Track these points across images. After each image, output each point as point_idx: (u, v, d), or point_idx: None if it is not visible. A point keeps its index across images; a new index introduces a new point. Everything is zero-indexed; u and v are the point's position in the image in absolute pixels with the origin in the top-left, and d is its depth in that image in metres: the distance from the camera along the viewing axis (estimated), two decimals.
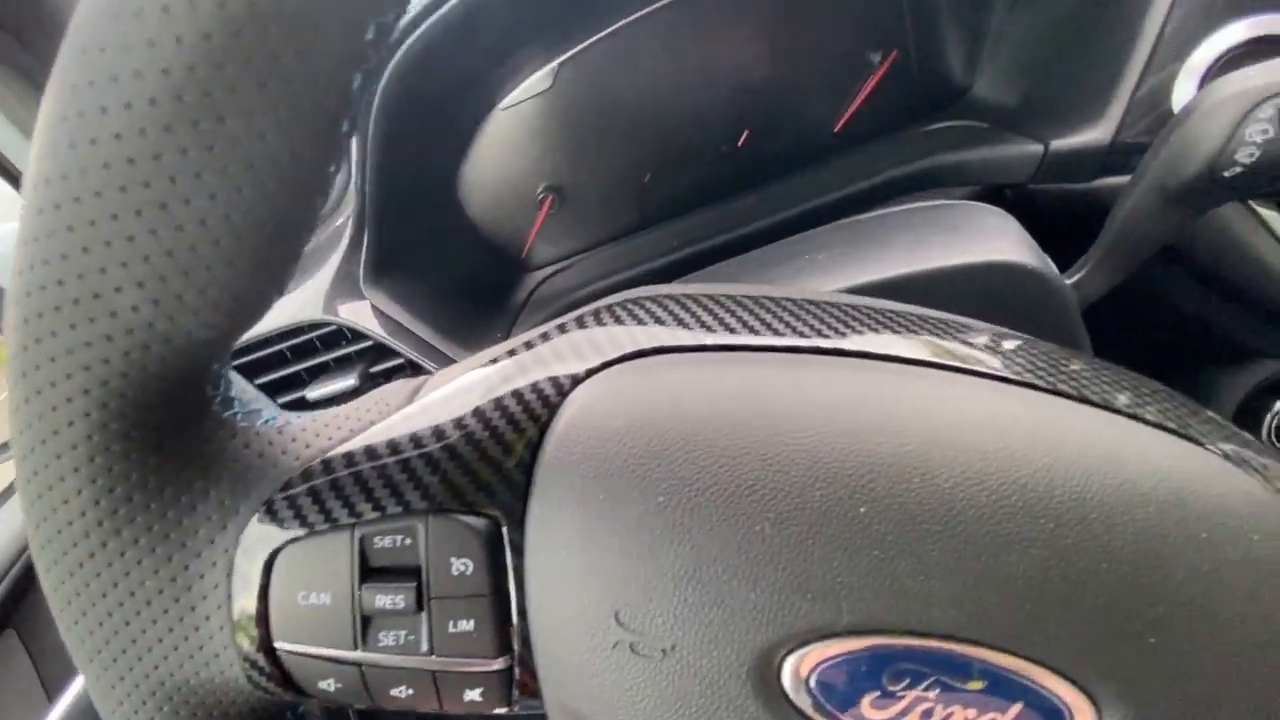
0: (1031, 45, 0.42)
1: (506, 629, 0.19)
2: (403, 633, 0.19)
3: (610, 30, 0.46)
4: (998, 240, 0.30)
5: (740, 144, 0.51)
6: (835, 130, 0.50)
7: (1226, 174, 0.24)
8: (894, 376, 0.19)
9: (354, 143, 0.39)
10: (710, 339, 0.21)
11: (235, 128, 0.13)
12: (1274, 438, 0.50)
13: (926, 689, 0.17)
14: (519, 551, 0.19)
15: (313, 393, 0.47)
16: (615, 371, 0.20)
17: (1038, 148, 0.39)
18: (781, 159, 0.51)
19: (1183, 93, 0.34)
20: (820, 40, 0.47)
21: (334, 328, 0.46)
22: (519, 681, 0.20)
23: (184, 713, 0.19)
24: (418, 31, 0.36)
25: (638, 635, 0.17)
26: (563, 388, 0.20)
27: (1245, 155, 0.23)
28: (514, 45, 0.43)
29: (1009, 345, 0.22)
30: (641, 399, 0.19)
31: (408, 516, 0.18)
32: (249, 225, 0.14)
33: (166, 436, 0.17)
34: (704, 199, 0.53)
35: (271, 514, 0.18)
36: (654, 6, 0.45)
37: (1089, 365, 0.21)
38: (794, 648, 0.17)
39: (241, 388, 0.20)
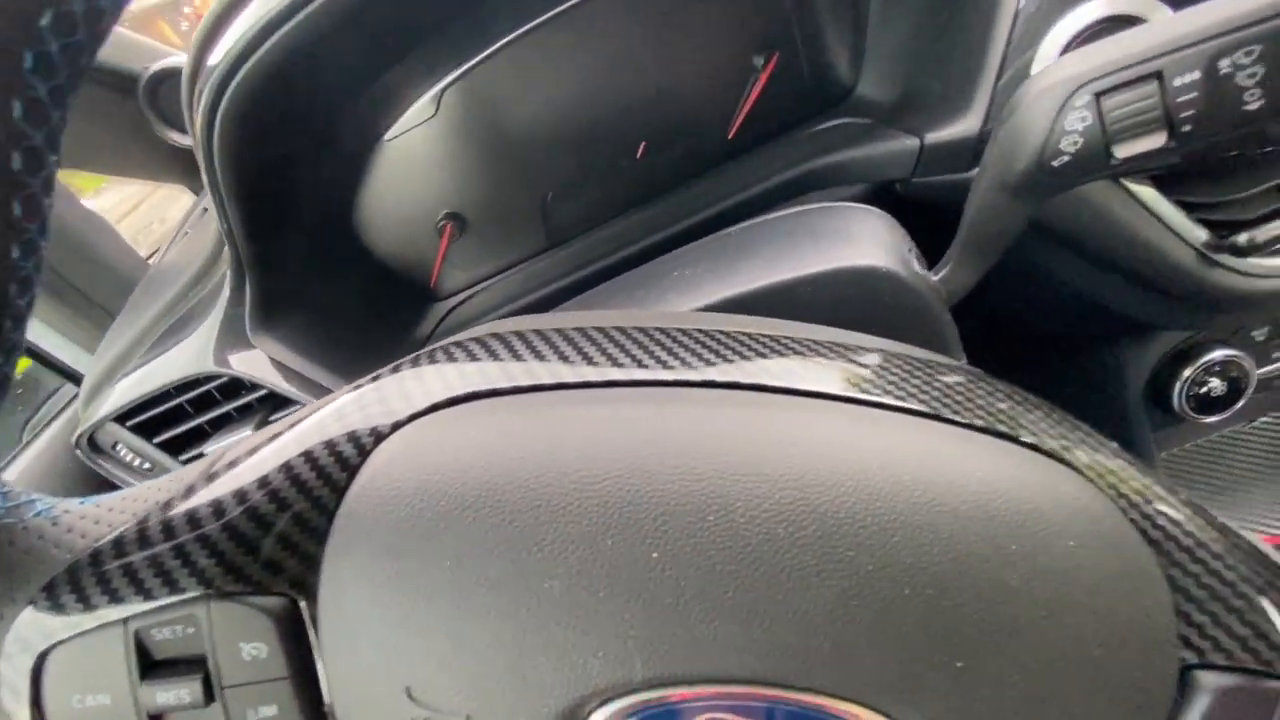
0: (905, 41, 0.42)
1: (317, 708, 0.18)
2: None
3: (488, 53, 0.45)
4: (861, 244, 0.29)
5: (639, 156, 0.51)
6: (730, 136, 0.50)
7: (1056, 164, 0.24)
8: (701, 407, 0.19)
9: (208, 182, 0.37)
10: (525, 379, 0.20)
11: None
12: (1186, 407, 0.51)
13: None
14: (319, 628, 0.18)
15: (210, 446, 0.45)
16: (418, 425, 0.19)
17: (915, 142, 0.39)
18: (680, 168, 0.51)
19: None
20: (704, 47, 0.47)
21: (228, 379, 0.45)
22: None
23: None
24: (269, 42, 0.34)
25: (432, 711, 0.16)
26: (364, 447, 0.19)
27: (1069, 144, 0.23)
28: (381, 68, 0.41)
29: (845, 356, 0.21)
30: (435, 457, 0.18)
31: (187, 605, 0.17)
32: None
33: None
34: (608, 213, 0.53)
35: (36, 615, 0.17)
36: (528, 27, 0.44)
37: (924, 372, 0.21)
38: (594, 708, 0.16)
39: (12, 485, 0.18)
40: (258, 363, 0.44)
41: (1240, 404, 0.49)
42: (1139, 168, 0.23)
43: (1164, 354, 0.49)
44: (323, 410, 0.20)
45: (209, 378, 0.45)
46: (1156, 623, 0.17)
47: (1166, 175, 0.38)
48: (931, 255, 0.35)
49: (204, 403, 0.47)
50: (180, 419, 0.48)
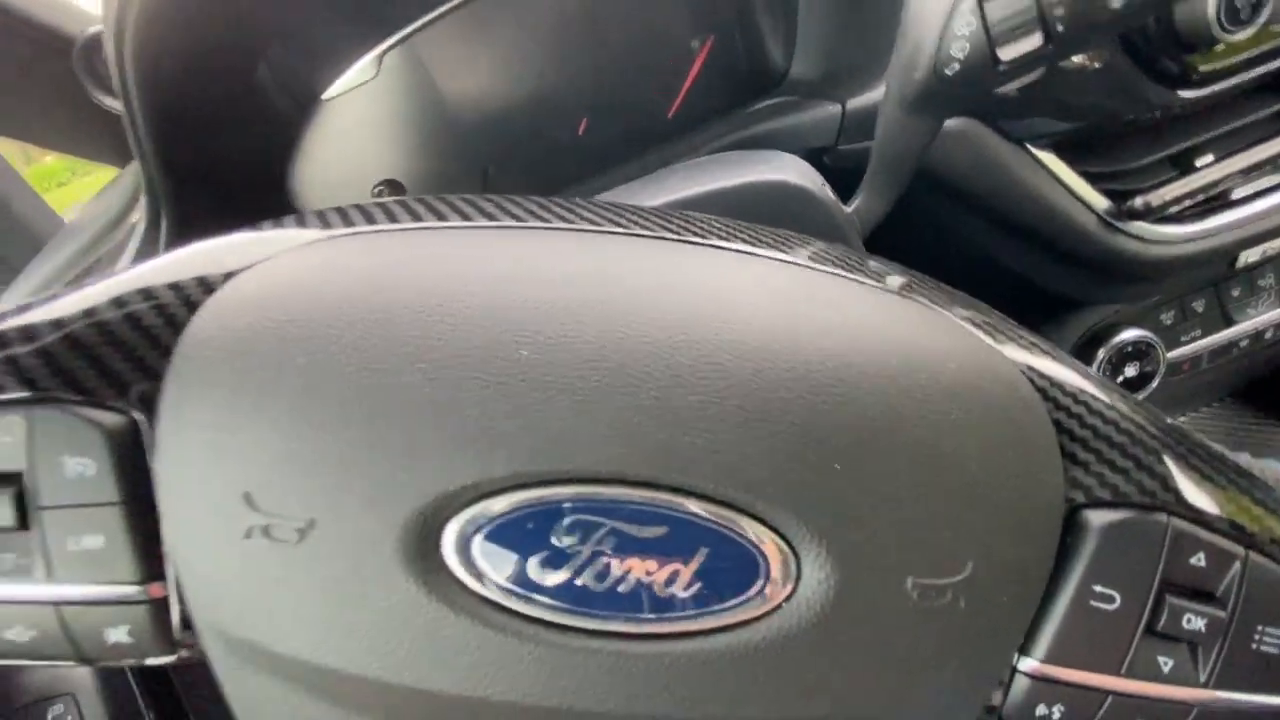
0: (829, 21, 0.45)
1: (153, 548, 0.16)
2: (9, 555, 0.16)
3: (433, 17, 0.46)
4: (774, 166, 0.30)
5: (580, 132, 0.51)
6: (669, 115, 0.51)
7: (949, 72, 0.25)
8: (588, 239, 0.18)
9: (129, 128, 0.36)
10: (411, 222, 0.19)
11: None
12: None
13: (599, 541, 0.15)
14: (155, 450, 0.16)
15: None
16: (284, 258, 0.18)
17: (837, 109, 0.41)
18: (621, 145, 0.52)
19: None
20: (644, 27, 0.49)
21: None
22: (183, 617, 0.17)
23: None
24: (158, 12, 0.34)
25: (271, 516, 0.15)
26: (228, 272, 0.18)
27: (959, 50, 0.24)
28: (315, 12, 0.41)
29: (778, 236, 0.21)
30: (295, 275, 0.17)
31: (3, 408, 0.15)
32: None
33: None
34: (549, 187, 0.53)
35: None
36: None
37: (873, 258, 0.21)
38: (451, 513, 0.15)
39: None
40: None
41: (1153, 384, 0.51)
42: (1024, 72, 0.25)
43: (1081, 335, 0.51)
44: (191, 247, 0.19)
45: None
46: (1041, 456, 0.17)
47: (1069, 145, 0.40)
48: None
49: None
50: None
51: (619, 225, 0.20)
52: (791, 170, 0.30)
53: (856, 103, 0.40)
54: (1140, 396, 0.52)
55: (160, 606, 0.16)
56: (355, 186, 0.50)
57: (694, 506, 0.15)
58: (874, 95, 0.39)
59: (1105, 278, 0.43)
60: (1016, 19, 0.23)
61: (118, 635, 0.16)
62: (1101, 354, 0.50)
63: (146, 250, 0.42)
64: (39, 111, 0.60)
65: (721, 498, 0.15)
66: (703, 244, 0.19)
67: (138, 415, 0.16)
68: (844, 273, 0.19)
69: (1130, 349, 0.50)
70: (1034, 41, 0.23)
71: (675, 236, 0.19)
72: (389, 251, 0.17)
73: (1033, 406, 0.18)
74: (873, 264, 0.21)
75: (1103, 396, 0.19)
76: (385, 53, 0.46)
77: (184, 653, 0.17)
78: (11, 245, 0.54)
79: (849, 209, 0.31)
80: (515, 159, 0.52)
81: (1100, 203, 0.40)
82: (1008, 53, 0.24)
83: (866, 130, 0.43)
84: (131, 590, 0.16)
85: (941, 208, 0.41)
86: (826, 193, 0.30)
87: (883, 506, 0.15)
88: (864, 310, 0.18)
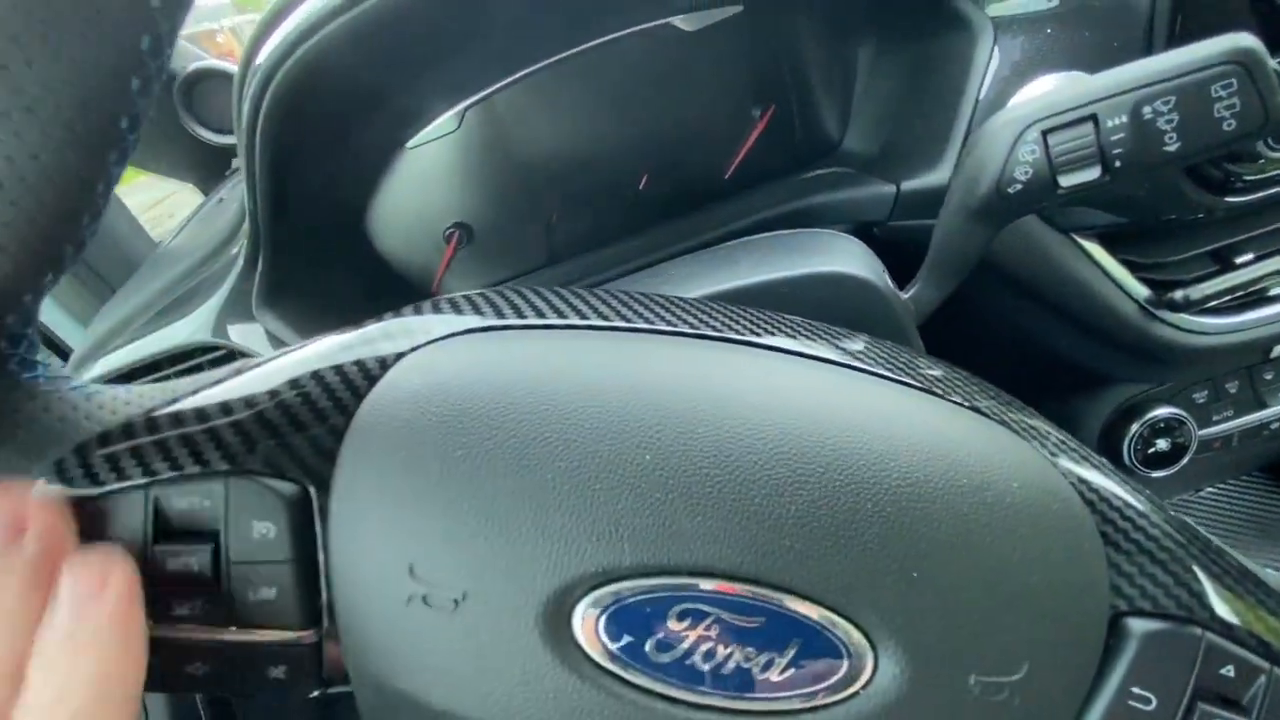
0: (887, 101, 0.48)
1: (314, 599, 0.19)
2: (199, 601, 0.18)
3: (515, 78, 0.49)
4: (838, 255, 0.32)
5: (641, 186, 0.54)
6: (726, 176, 0.54)
7: (1011, 190, 0.27)
8: (696, 349, 0.21)
9: (244, 163, 0.40)
10: (537, 320, 0.22)
11: (17, 75, 0.14)
12: (1134, 460, 0.54)
13: (707, 627, 0.17)
14: (327, 519, 0.19)
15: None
16: (432, 349, 0.21)
17: (892, 189, 0.44)
18: (678, 200, 0.55)
19: None
20: (708, 95, 0.52)
21: (225, 351, 0.46)
22: (329, 659, 0.19)
23: None
24: (310, 41, 0.38)
25: (431, 587, 0.17)
26: (386, 361, 0.21)
27: (1021, 173, 0.27)
28: (412, 79, 0.45)
29: (838, 335, 0.24)
30: (450, 370, 0.20)
31: (207, 478, 0.18)
32: (33, 170, 0.15)
33: None
34: (608, 236, 0.56)
35: (61, 473, 0.18)
36: (556, 58, 0.49)
37: (893, 350, 0.24)
38: (583, 593, 0.17)
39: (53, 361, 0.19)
40: (255, 337, 0.45)
41: (1184, 461, 0.53)
42: (1081, 198, 0.27)
43: (1114, 408, 0.53)
44: (351, 332, 0.22)
45: (204, 349, 0.46)
46: (1090, 566, 0.19)
47: (1114, 236, 0.42)
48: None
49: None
50: None
51: (720, 327, 0.22)
52: (854, 260, 0.32)
53: (911, 185, 0.43)
54: (1171, 471, 0.54)
55: (314, 650, 0.19)
56: (429, 227, 0.53)
57: (790, 603, 0.17)
58: (928, 180, 0.42)
59: (1143, 361, 0.44)
60: (1077, 152, 0.26)
61: (277, 673, 0.19)
62: (1135, 428, 0.52)
63: (244, 282, 0.45)
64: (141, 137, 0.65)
65: (813, 596, 0.17)
66: (794, 353, 0.22)
67: (309, 486, 0.19)
68: (917, 385, 0.22)
69: (1163, 424, 0.52)
70: (1092, 174, 0.26)
71: (766, 342, 0.22)
72: (531, 353, 0.20)
73: (1084, 522, 0.20)
74: (936, 372, 0.23)
75: (1148, 513, 0.21)
76: (467, 109, 0.50)
77: (329, 689, 0.20)
78: (105, 260, 0.58)
79: (905, 296, 0.33)
80: (578, 209, 0.55)
81: (1141, 291, 0.42)
82: (1068, 180, 0.26)
83: (918, 210, 0.45)
84: (292, 636, 0.19)
85: (988, 288, 0.43)
86: (887, 283, 0.32)
87: (953, 611, 0.18)
88: (939, 427, 0.20)
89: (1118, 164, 0.25)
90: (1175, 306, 0.41)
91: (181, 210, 0.86)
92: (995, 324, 0.48)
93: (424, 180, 0.52)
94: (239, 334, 0.45)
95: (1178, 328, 0.42)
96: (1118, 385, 0.51)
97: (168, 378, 0.49)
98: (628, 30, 0.49)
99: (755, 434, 0.18)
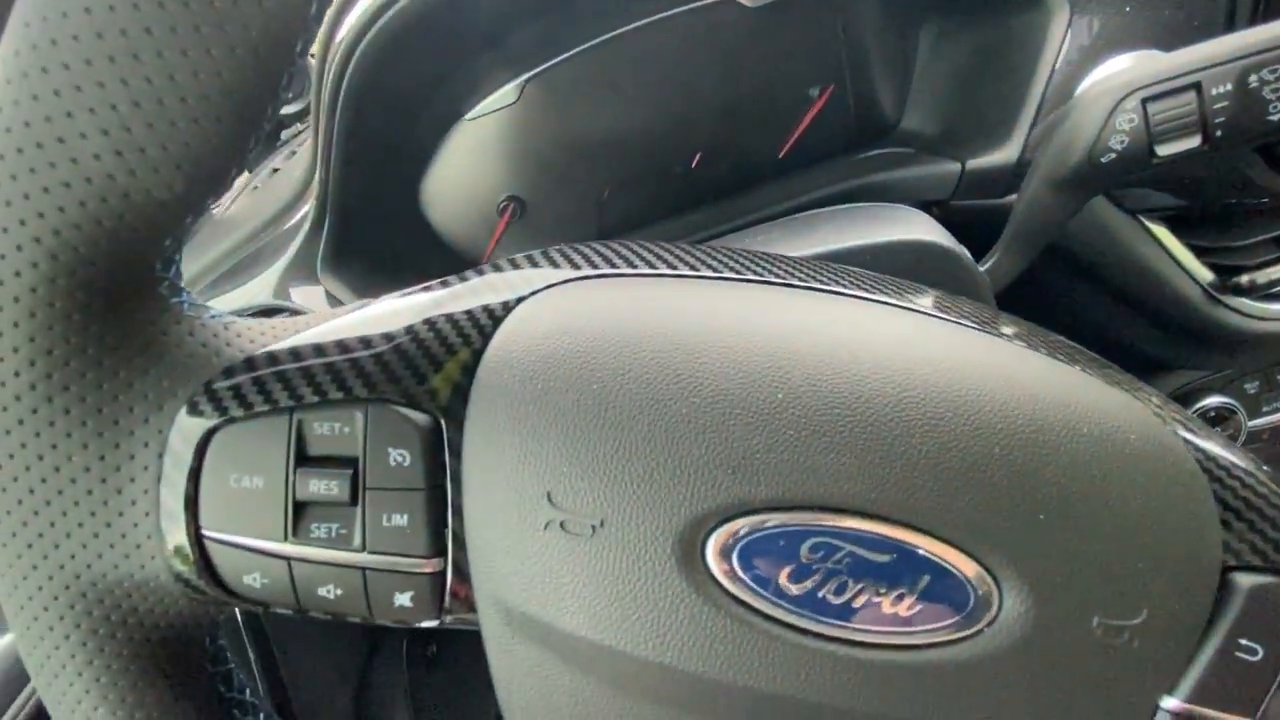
0: (950, 81, 0.47)
1: (442, 530, 0.19)
2: (335, 525, 0.19)
3: (575, 51, 0.50)
4: (915, 225, 0.33)
5: (694, 165, 0.55)
6: (780, 156, 0.54)
7: (1104, 160, 0.27)
8: (824, 301, 0.21)
9: (320, 131, 0.41)
10: (645, 267, 0.23)
11: None
12: None
13: (839, 561, 0.18)
14: (457, 454, 0.19)
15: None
16: (551, 292, 0.21)
17: (955, 167, 0.44)
18: (730, 180, 0.55)
19: None
20: (765, 73, 0.52)
21: (289, 313, 0.46)
22: (452, 590, 0.20)
23: (96, 614, 0.19)
24: (388, 14, 0.39)
25: (568, 513, 0.18)
26: (508, 304, 0.21)
27: (1117, 142, 0.27)
28: (478, 51, 0.45)
29: (928, 293, 0.24)
30: (576, 310, 0.20)
31: (348, 405, 0.19)
32: (215, 87, 0.15)
33: (111, 306, 0.17)
34: (660, 214, 0.56)
35: (210, 396, 0.18)
36: (617, 33, 0.49)
37: (1010, 318, 0.24)
38: (717, 523, 0.18)
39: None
40: (316, 298, 0.46)
41: None
42: (1174, 171, 0.27)
43: (1168, 394, 0.53)
44: (476, 278, 0.22)
45: (268, 311, 0.47)
46: (1204, 521, 0.20)
47: (1180, 219, 0.42)
48: None
49: None
50: None
51: (827, 281, 0.22)
52: (933, 229, 0.32)
53: (976, 164, 0.43)
54: None
55: (440, 579, 0.20)
56: (484, 198, 0.54)
57: (920, 540, 0.18)
58: (994, 159, 0.42)
59: (1204, 346, 0.44)
60: (1178, 121, 0.26)
61: (403, 600, 0.20)
62: None
63: (309, 245, 0.46)
64: None
65: (943, 535, 0.18)
66: (909, 308, 0.22)
67: (441, 419, 0.19)
68: (1029, 346, 0.22)
69: (1213, 414, 0.51)
70: (1191, 142, 0.26)
71: (877, 298, 0.22)
72: (654, 296, 0.20)
73: (1197, 477, 0.20)
74: (1051, 337, 0.23)
75: (1255, 473, 0.21)
76: (527, 82, 0.50)
77: (448, 618, 0.20)
78: None
79: (983, 268, 0.33)
80: (631, 185, 0.55)
81: (1206, 275, 0.42)
82: (1165, 149, 0.26)
83: (982, 188, 0.45)
84: (421, 563, 0.19)
85: (1047, 268, 0.43)
86: (966, 254, 0.32)
87: (1077, 554, 0.18)
88: (1058, 379, 0.20)
89: (1219, 133, 0.25)
90: (1240, 291, 0.41)
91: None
92: (1050, 305, 0.48)
93: (481, 152, 0.52)
94: (301, 295, 0.46)
95: (1241, 313, 0.42)
96: (1169, 373, 0.51)
97: None
98: (688, 6, 0.49)
99: (884, 376, 0.19)
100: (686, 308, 0.20)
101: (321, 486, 0.18)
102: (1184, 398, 0.52)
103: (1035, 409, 0.19)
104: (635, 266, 0.23)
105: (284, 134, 0.68)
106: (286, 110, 0.62)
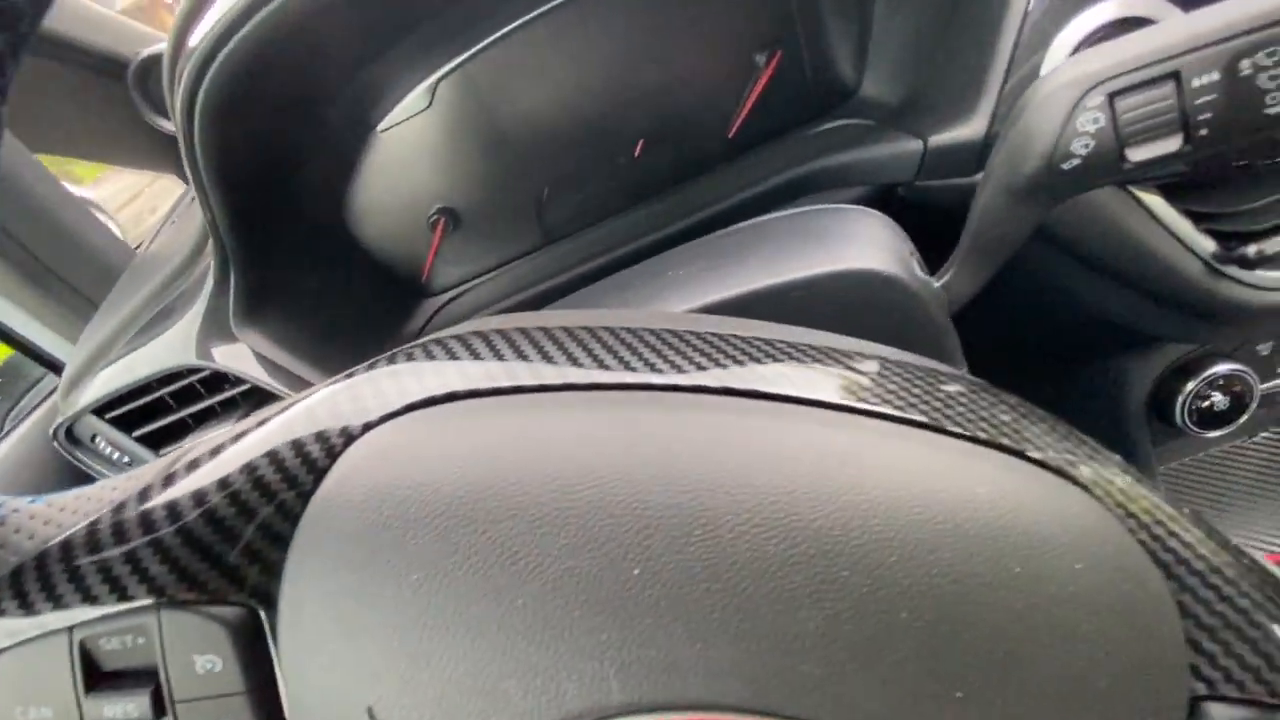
0: (910, 42, 0.42)
1: None
2: None
3: (484, 45, 0.44)
4: (861, 246, 0.28)
5: (637, 154, 0.50)
6: (730, 135, 0.49)
7: (1065, 167, 0.23)
8: (691, 413, 0.18)
9: (187, 167, 0.36)
10: (505, 379, 0.19)
11: None
12: (1188, 420, 0.50)
13: None
14: (279, 643, 0.17)
15: (191, 442, 0.44)
16: (391, 427, 0.18)
17: (918, 145, 0.38)
18: (679, 167, 0.50)
19: None
20: (704, 44, 0.46)
21: (210, 373, 0.43)
22: None
23: None
24: (256, 18, 0.33)
25: None
26: (333, 449, 0.18)
27: (1080, 146, 0.22)
28: (375, 56, 0.40)
29: (843, 362, 0.20)
30: (405, 462, 0.17)
31: (136, 613, 0.16)
32: None
33: None
34: (606, 211, 0.52)
35: None
36: (525, 19, 0.43)
37: (925, 381, 0.20)
38: None
39: None
40: (242, 356, 0.43)
41: (1243, 419, 0.49)
42: (1150, 173, 0.22)
43: (1167, 367, 0.49)
44: (293, 408, 0.19)
45: (191, 370, 0.44)
46: (1166, 651, 0.16)
47: (1174, 185, 0.37)
48: (934, 261, 0.34)
49: (186, 396, 0.46)
50: (161, 413, 0.47)
51: (722, 371, 0.19)
52: (876, 249, 0.28)
53: (939, 140, 0.37)
54: (1228, 430, 0.50)
55: None
56: (412, 215, 0.50)
57: None
58: (959, 134, 0.37)
59: (1208, 322, 0.40)
60: (1154, 119, 0.21)
61: None
62: (1191, 386, 0.48)
63: (218, 298, 0.42)
64: (96, 131, 0.61)
65: None
66: (808, 401, 0.18)
67: (257, 607, 0.17)
68: (959, 426, 0.18)
69: (1221, 381, 0.47)
70: (1170, 144, 0.21)
71: (775, 390, 0.19)
72: (498, 436, 0.17)
73: (1159, 596, 0.17)
74: (986, 402, 0.20)
75: (1235, 578, 0.18)
76: (438, 83, 0.45)
77: None
78: (84, 275, 0.56)
79: (937, 284, 0.29)
80: (570, 183, 0.50)
81: (1206, 247, 0.37)
82: (1138, 154, 0.21)
83: (946, 168, 0.40)
84: None
85: (1030, 249, 0.39)
86: (914, 272, 0.28)
87: None
88: (987, 497, 0.17)
89: (1203, 131, 0.21)
90: (1246, 262, 0.36)
91: (164, 202, 0.82)
92: (1035, 283, 0.43)
93: (400, 165, 0.48)
94: (223, 354, 0.43)
95: (1249, 285, 0.37)
96: (1172, 342, 0.47)
97: (160, 400, 0.47)
98: None
99: (763, 532, 0.15)
100: (536, 454, 0.17)
101: (119, 711, 0.16)
102: (1187, 367, 0.48)
103: (957, 553, 0.16)
104: (493, 373, 0.19)
105: None
106: None
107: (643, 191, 0.51)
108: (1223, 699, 0.17)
